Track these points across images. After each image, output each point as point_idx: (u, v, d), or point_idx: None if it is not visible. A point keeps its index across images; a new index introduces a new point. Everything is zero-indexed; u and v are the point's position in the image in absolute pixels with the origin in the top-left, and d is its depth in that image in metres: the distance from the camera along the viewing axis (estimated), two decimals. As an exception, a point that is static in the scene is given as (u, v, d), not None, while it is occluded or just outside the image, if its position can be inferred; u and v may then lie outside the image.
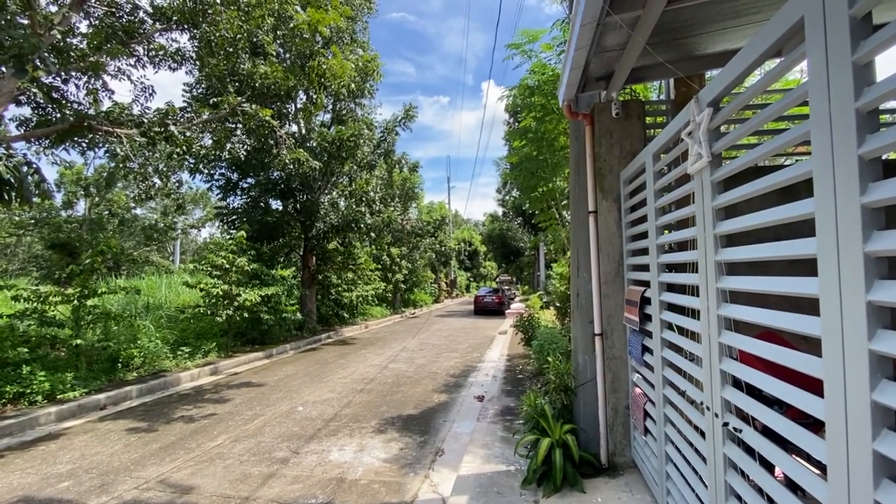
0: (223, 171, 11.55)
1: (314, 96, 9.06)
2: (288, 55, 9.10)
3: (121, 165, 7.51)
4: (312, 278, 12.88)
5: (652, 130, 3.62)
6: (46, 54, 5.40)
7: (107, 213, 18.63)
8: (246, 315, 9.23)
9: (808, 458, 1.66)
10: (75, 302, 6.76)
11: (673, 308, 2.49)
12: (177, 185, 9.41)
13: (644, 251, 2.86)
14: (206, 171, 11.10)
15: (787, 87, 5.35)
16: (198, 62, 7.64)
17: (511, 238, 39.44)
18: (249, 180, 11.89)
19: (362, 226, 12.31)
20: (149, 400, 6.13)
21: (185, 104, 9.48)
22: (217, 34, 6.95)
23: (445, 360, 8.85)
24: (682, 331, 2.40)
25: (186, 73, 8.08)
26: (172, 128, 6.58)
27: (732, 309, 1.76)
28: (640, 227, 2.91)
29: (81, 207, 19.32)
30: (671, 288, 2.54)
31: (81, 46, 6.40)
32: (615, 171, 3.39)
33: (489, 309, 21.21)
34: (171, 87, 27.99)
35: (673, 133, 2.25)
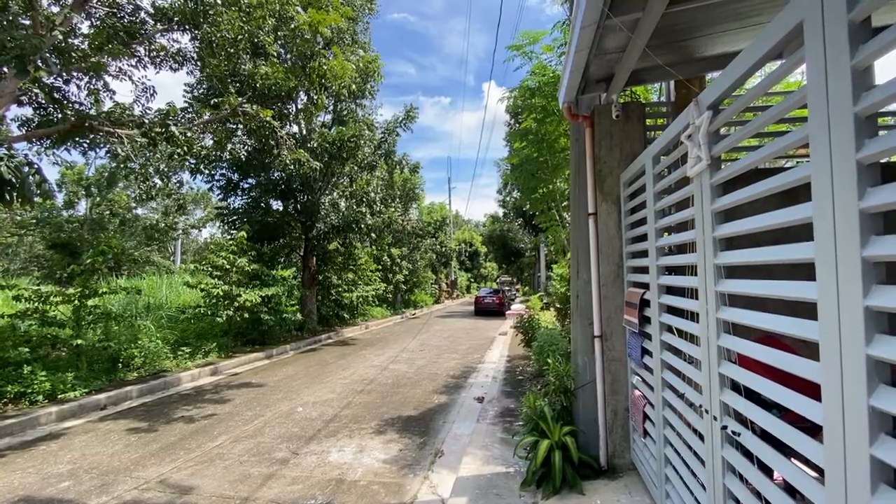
0: (224, 171, 11.58)
1: (315, 97, 9.07)
2: (289, 56, 9.11)
3: (122, 166, 7.53)
4: (313, 279, 12.88)
5: (652, 132, 3.62)
6: (48, 55, 5.43)
7: (108, 213, 18.67)
8: (246, 315, 9.23)
9: (807, 461, 1.65)
10: (76, 302, 6.77)
11: (672, 311, 2.49)
12: (178, 185, 9.45)
13: (644, 253, 2.86)
14: (206, 171, 11.13)
15: (788, 89, 5.35)
16: (199, 63, 7.65)
17: (512, 239, 39.41)
18: (250, 181, 11.90)
19: (363, 226, 12.32)
20: (149, 400, 6.14)
21: (186, 104, 9.50)
22: (218, 35, 6.97)
23: (445, 361, 8.85)
24: (681, 333, 2.39)
25: (187, 73, 8.10)
26: (173, 128, 6.60)
27: (731, 312, 1.76)
28: (640, 229, 2.91)
29: (83, 207, 19.37)
30: (671, 290, 2.54)
31: (83, 47, 6.42)
32: (615, 173, 3.39)
33: (490, 310, 21.24)
34: (172, 87, 28.05)
35: (673, 136, 2.25)
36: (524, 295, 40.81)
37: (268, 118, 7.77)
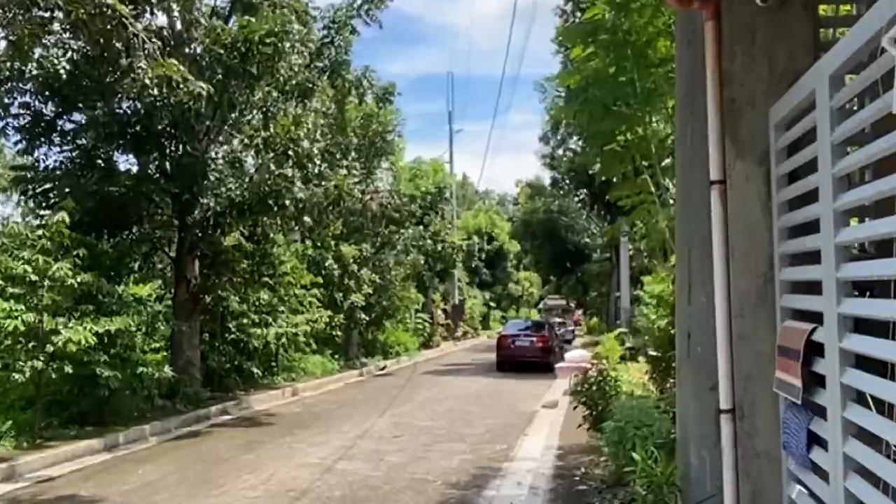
0: (28, 98, 11.54)
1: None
2: None
3: None
4: (194, 300, 12.86)
5: (830, 31, 3.62)
6: None
7: None
8: (69, 370, 9.20)
9: None
10: None
11: (868, 363, 2.48)
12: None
13: (814, 255, 2.86)
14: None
15: None
16: None
17: (566, 227, 39.55)
18: (77, 117, 11.89)
19: (288, 202, 12.31)
20: None
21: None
22: None
23: (442, 458, 8.86)
24: (885, 408, 2.39)
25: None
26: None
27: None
28: (808, 210, 2.92)
29: None
30: (864, 326, 2.54)
31: None
32: (759, 105, 3.40)
33: (525, 360, 21.48)
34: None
35: (868, 36, 2.25)
36: (590, 332, 40.93)
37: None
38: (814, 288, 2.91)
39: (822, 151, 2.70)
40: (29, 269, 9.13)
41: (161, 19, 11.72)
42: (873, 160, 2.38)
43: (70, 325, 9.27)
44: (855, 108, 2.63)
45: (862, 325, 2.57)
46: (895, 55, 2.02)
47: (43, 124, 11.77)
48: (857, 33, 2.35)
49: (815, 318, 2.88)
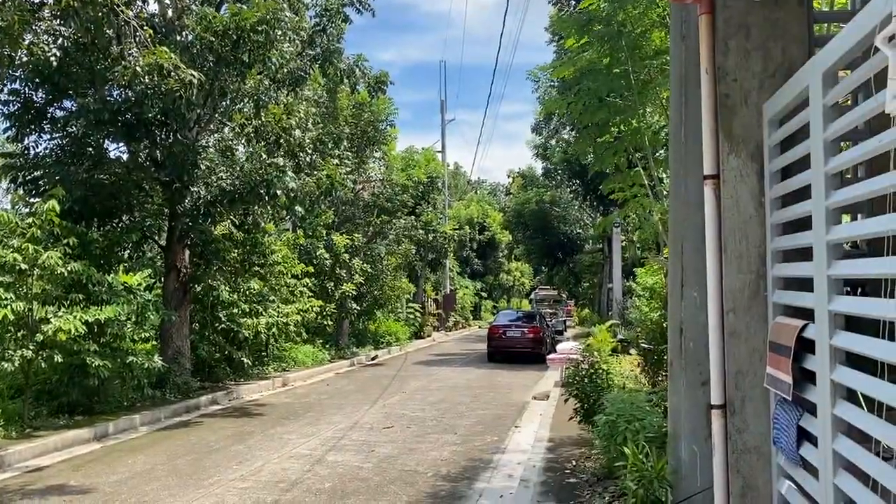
0: (18, 86, 11.48)
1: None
2: None
3: None
4: (184, 290, 12.86)
5: (826, 27, 3.63)
6: None
7: None
8: (59, 359, 9.20)
9: None
10: None
11: (859, 361, 2.50)
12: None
13: (806, 252, 2.87)
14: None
15: None
16: None
17: (558, 218, 39.50)
18: (67, 104, 11.80)
19: (279, 192, 12.27)
20: None
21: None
22: None
23: (432, 449, 8.92)
24: (874, 406, 2.40)
25: None
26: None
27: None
28: (801, 207, 2.93)
29: None
30: (855, 324, 2.55)
31: None
32: (754, 100, 3.41)
33: (516, 350, 21.62)
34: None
35: (862, 35, 2.25)
36: (581, 323, 41.06)
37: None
38: (806, 285, 2.93)
39: (815, 148, 2.71)
40: (18, 257, 9.09)
41: (152, 6, 11.66)
42: (866, 158, 2.39)
43: (60, 313, 9.25)
44: (848, 104, 2.63)
45: (853, 323, 2.59)
46: (888, 54, 2.02)
47: (33, 112, 11.72)
48: (851, 31, 2.35)
49: (807, 314, 2.89)
